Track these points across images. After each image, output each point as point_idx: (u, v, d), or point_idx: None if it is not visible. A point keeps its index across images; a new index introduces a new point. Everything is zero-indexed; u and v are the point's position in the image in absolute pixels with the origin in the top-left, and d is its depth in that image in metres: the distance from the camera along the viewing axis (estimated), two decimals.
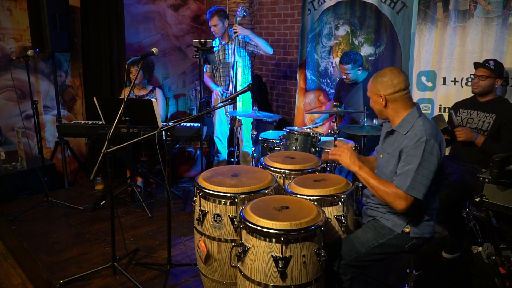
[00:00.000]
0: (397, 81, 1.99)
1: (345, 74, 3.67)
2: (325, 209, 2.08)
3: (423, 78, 3.62)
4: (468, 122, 2.99)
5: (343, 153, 2.06)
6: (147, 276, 2.70)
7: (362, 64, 3.67)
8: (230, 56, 4.15)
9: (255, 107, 3.59)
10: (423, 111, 3.54)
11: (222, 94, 4.18)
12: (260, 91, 5.27)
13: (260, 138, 3.64)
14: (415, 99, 3.66)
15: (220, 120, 4.36)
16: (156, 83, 5.11)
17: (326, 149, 3.31)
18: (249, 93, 4.32)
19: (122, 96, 4.22)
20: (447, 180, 2.83)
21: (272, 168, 2.48)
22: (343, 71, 3.66)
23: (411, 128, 1.96)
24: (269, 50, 4.06)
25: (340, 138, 3.37)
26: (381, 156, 2.14)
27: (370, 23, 3.99)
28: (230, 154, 4.57)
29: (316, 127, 4.32)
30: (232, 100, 2.45)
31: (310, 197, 2.09)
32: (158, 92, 4.25)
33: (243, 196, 2.10)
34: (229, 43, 4.15)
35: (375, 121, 3.43)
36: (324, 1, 4.31)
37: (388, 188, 1.91)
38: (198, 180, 2.25)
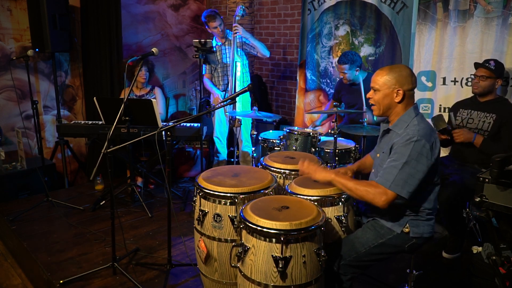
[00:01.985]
0: (414, 79, 2.01)
1: (342, 74, 3.67)
2: (326, 209, 2.08)
3: (423, 78, 3.62)
4: (469, 122, 2.99)
5: (316, 169, 2.09)
6: (147, 276, 2.70)
7: (361, 64, 3.67)
8: (227, 56, 4.16)
9: (255, 107, 3.59)
10: (423, 111, 3.59)
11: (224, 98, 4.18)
12: (260, 91, 5.27)
13: (260, 138, 3.64)
14: (415, 99, 3.65)
15: (220, 120, 4.36)
16: (156, 83, 5.11)
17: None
18: (248, 93, 4.32)
19: (121, 96, 4.22)
20: (447, 180, 2.83)
21: (272, 168, 2.48)
22: (341, 70, 3.67)
23: (406, 127, 1.96)
24: (266, 53, 4.08)
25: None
26: (378, 155, 2.15)
27: (370, 23, 3.99)
28: (230, 154, 4.57)
29: (315, 129, 4.32)
30: (232, 100, 2.44)
31: (310, 197, 2.09)
32: (157, 91, 4.26)
33: (243, 196, 2.10)
34: (226, 43, 4.16)
35: (375, 118, 3.43)
36: (324, 1, 4.31)
37: (367, 187, 1.91)
38: (198, 180, 2.25)
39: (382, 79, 2.00)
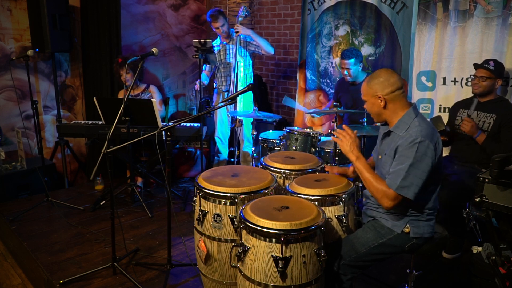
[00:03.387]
0: (393, 80, 1.99)
1: (346, 69, 3.62)
2: (326, 209, 2.08)
3: (423, 78, 3.62)
4: None
5: (345, 138, 2.08)
6: (147, 276, 2.70)
7: (362, 61, 3.66)
8: (231, 56, 4.15)
9: (255, 107, 3.59)
10: (423, 111, 3.59)
11: (200, 86, 3.98)
12: (260, 91, 5.27)
13: (260, 138, 3.64)
14: (415, 99, 3.66)
15: (221, 120, 4.36)
16: (156, 83, 5.11)
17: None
18: (250, 93, 4.32)
19: (119, 96, 4.22)
20: (447, 181, 2.83)
21: (272, 168, 2.48)
22: (344, 66, 3.60)
23: (407, 129, 1.96)
24: (271, 50, 4.06)
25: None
26: (379, 157, 2.15)
27: (370, 23, 3.99)
28: (230, 154, 4.57)
29: (314, 116, 4.34)
30: (233, 100, 2.44)
31: (311, 197, 2.09)
32: (153, 89, 4.21)
33: (243, 196, 2.10)
34: (230, 43, 4.16)
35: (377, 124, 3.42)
36: (324, 1, 4.31)
37: (379, 185, 1.93)
38: (198, 180, 2.25)
39: (364, 89, 2.06)
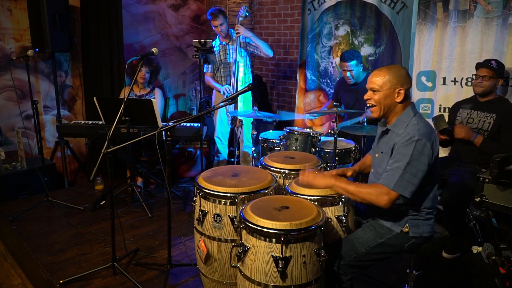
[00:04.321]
0: (410, 78, 2.04)
1: (348, 71, 3.63)
2: (326, 209, 2.08)
3: (423, 78, 3.62)
4: (469, 122, 2.99)
5: (315, 177, 2.07)
6: (147, 276, 2.70)
7: (362, 61, 3.68)
8: (231, 56, 4.15)
9: (255, 107, 3.59)
10: (423, 111, 3.60)
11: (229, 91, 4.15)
12: (260, 91, 5.27)
13: (260, 138, 3.64)
14: (415, 99, 3.66)
15: (221, 120, 4.36)
16: (156, 83, 5.11)
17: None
18: (249, 93, 4.32)
19: (121, 96, 4.22)
20: (447, 181, 2.83)
21: (272, 168, 2.48)
22: (346, 68, 3.62)
23: (405, 127, 1.97)
24: (269, 52, 4.07)
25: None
26: (376, 155, 2.15)
27: (370, 23, 3.99)
28: (230, 154, 4.57)
29: (311, 119, 4.34)
30: (232, 100, 2.44)
31: (310, 197, 2.09)
32: (157, 92, 4.26)
33: (243, 196, 2.10)
34: (230, 43, 4.16)
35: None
36: (324, 1, 4.31)
37: (368, 189, 1.91)
38: (198, 180, 2.25)
39: (382, 79, 1.99)
